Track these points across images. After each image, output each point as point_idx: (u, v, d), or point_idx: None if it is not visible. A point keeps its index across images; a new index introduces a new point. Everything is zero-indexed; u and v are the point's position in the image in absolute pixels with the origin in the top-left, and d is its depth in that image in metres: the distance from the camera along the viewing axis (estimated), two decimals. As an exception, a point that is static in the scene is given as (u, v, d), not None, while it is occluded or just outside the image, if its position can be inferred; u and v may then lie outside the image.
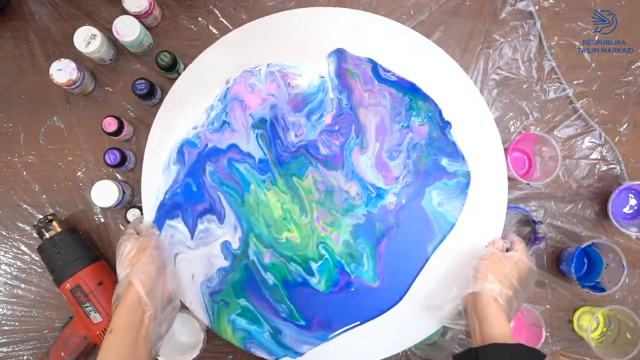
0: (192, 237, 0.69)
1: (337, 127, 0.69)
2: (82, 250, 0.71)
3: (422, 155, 0.69)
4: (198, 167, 0.69)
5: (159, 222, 0.69)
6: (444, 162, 0.69)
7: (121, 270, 0.59)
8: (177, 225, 0.69)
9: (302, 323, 0.67)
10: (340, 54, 0.70)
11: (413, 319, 0.67)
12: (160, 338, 0.59)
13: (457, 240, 0.67)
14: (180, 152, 0.70)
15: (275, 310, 0.67)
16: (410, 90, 0.70)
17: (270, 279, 0.68)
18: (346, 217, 0.68)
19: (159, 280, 0.59)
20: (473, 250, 0.66)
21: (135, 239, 0.61)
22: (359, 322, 0.67)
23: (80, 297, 0.68)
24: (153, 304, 0.57)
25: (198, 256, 0.68)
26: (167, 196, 0.69)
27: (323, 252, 0.68)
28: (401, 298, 0.67)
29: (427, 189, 0.68)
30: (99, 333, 0.69)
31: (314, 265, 0.68)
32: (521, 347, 0.52)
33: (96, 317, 0.68)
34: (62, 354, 0.69)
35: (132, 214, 0.73)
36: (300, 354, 0.67)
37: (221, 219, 0.69)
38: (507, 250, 0.65)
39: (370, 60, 0.70)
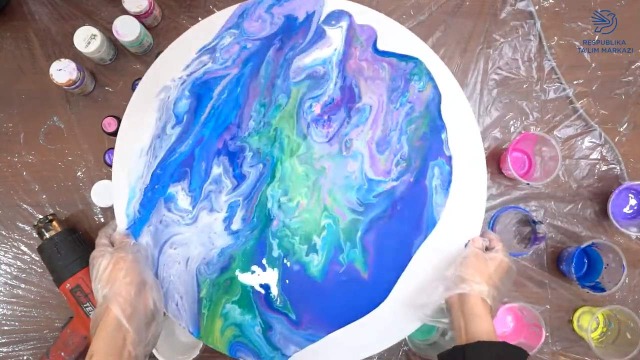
0: (197, 199, 0.67)
1: (326, 117, 0.69)
2: (82, 250, 0.71)
3: (420, 124, 0.68)
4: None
5: (148, 203, 0.67)
6: (444, 135, 0.68)
7: (97, 290, 0.57)
8: (176, 194, 0.67)
9: (293, 317, 0.66)
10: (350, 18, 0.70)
11: (395, 316, 0.66)
12: (147, 355, 0.57)
13: (438, 238, 0.67)
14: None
15: (269, 300, 0.67)
16: (414, 59, 0.70)
17: (275, 251, 0.67)
18: (346, 194, 0.68)
19: (139, 299, 0.57)
20: (456, 249, 0.66)
21: (109, 255, 0.58)
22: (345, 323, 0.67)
23: (80, 297, 0.68)
24: (135, 326, 0.54)
25: (196, 233, 0.67)
26: (160, 165, 0.68)
27: (328, 221, 0.67)
28: (387, 295, 0.67)
29: (430, 162, 0.68)
30: (99, 333, 0.69)
31: (317, 240, 0.67)
32: (506, 345, 0.54)
33: (96, 317, 0.69)
34: (62, 354, 0.69)
35: (132, 214, 0.73)
36: (287, 357, 0.66)
37: (237, 167, 0.68)
38: (487, 248, 0.66)
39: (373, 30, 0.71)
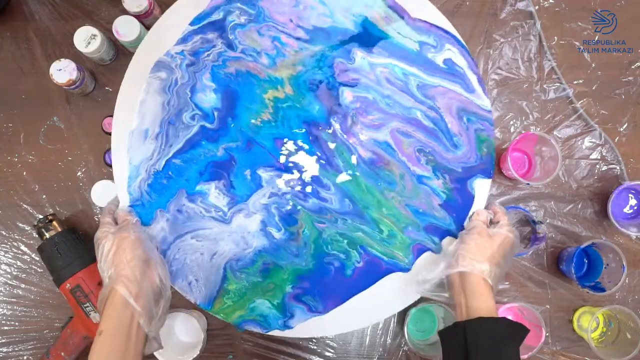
0: (237, 203, 0.66)
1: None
2: (82, 250, 0.70)
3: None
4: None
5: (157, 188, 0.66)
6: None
7: (103, 271, 0.57)
8: (208, 191, 0.66)
9: (320, 308, 0.67)
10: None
11: (395, 290, 0.68)
12: (158, 330, 0.58)
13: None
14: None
15: (300, 297, 0.67)
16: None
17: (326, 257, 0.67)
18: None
19: (144, 277, 0.57)
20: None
21: (112, 236, 0.59)
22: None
23: (80, 297, 0.68)
24: (143, 304, 0.55)
25: (228, 232, 0.66)
26: (180, 156, 0.67)
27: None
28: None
29: None
30: (99, 333, 0.69)
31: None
32: (506, 320, 0.54)
33: (96, 317, 0.68)
34: (62, 354, 0.69)
35: (132, 214, 0.73)
36: (290, 327, 0.67)
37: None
38: (491, 222, 0.65)
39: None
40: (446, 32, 0.72)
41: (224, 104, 0.67)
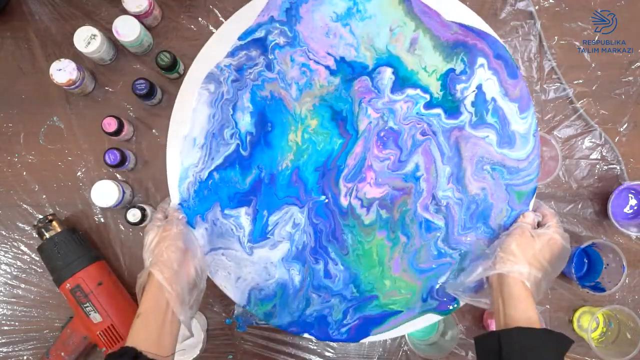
0: (258, 235, 0.67)
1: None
2: (82, 250, 0.71)
3: None
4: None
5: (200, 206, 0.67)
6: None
7: (145, 260, 0.60)
8: (237, 214, 0.67)
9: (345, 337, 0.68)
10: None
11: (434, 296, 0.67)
12: (192, 317, 0.60)
13: None
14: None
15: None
16: None
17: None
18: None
19: (181, 266, 0.59)
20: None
21: (157, 228, 0.62)
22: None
23: (80, 297, 0.68)
24: (176, 288, 0.57)
25: (250, 262, 0.67)
26: (219, 171, 0.67)
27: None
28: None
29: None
30: (99, 333, 0.69)
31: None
32: (547, 332, 0.50)
33: (96, 317, 0.68)
34: (62, 354, 0.69)
35: (132, 214, 0.73)
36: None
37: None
38: (539, 224, 0.61)
39: None
40: (480, 34, 0.66)
41: (257, 130, 0.67)
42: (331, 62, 0.67)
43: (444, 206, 0.66)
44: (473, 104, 0.66)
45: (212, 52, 0.68)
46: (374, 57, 0.67)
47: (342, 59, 0.67)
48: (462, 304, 0.66)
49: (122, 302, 0.71)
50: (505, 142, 0.65)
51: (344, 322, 0.67)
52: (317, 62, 0.67)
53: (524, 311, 0.52)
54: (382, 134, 0.67)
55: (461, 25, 0.66)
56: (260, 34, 0.67)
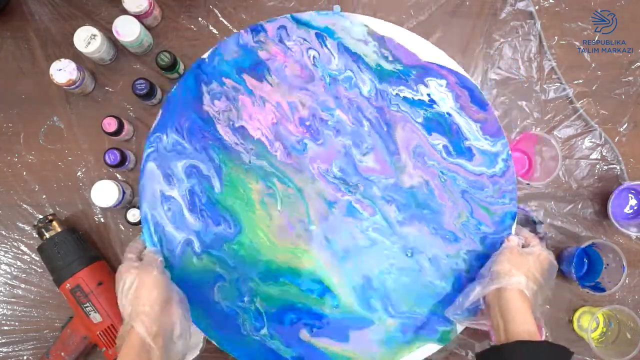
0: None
1: None
2: (82, 250, 0.71)
3: None
4: None
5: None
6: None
7: (123, 306, 0.56)
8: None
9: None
10: None
11: (432, 322, 0.66)
12: None
13: None
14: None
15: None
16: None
17: None
18: None
19: (165, 315, 0.56)
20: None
21: (135, 270, 0.58)
22: None
23: (80, 297, 0.68)
24: (160, 344, 0.54)
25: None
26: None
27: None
28: None
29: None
30: (99, 333, 0.69)
31: None
32: (548, 345, 0.51)
33: (96, 317, 0.68)
34: (62, 354, 0.69)
35: (132, 214, 0.73)
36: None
37: None
38: (523, 246, 0.64)
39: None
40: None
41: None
42: None
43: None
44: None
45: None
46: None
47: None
48: (460, 328, 0.66)
49: (122, 302, 0.71)
50: (459, 153, 0.67)
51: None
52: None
53: (523, 324, 0.53)
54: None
55: (434, 64, 0.68)
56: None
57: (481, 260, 0.65)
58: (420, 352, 0.66)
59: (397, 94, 0.68)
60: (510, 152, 0.67)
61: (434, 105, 0.68)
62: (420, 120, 0.68)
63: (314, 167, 0.67)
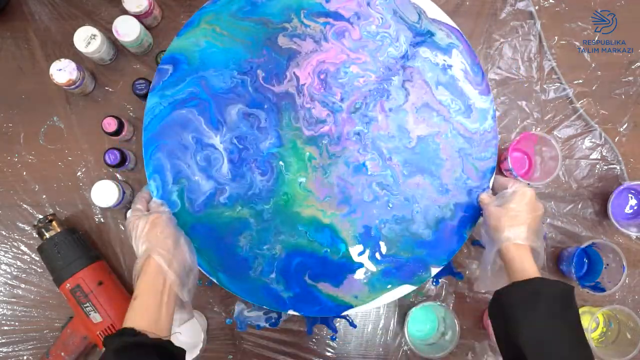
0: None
1: None
2: (82, 250, 0.71)
3: None
4: None
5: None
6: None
7: (138, 247, 0.60)
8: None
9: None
10: None
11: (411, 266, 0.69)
12: (189, 298, 0.61)
13: None
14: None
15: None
16: None
17: None
18: None
19: (177, 250, 0.60)
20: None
21: (145, 217, 0.62)
22: None
23: (80, 297, 0.68)
24: (175, 270, 0.58)
25: None
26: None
27: None
28: None
29: None
30: (99, 333, 0.69)
31: None
32: (542, 280, 0.53)
33: (96, 317, 0.69)
34: (62, 354, 0.69)
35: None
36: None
37: None
38: (496, 193, 0.67)
39: None
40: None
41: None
42: None
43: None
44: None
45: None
46: None
47: None
48: (434, 272, 0.68)
49: (122, 302, 0.71)
50: (462, 111, 0.70)
51: None
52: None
53: (519, 266, 0.56)
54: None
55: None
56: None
57: (465, 210, 0.69)
58: (397, 291, 0.69)
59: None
60: (495, 108, 0.71)
61: (448, 70, 0.70)
62: (432, 77, 0.70)
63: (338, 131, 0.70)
